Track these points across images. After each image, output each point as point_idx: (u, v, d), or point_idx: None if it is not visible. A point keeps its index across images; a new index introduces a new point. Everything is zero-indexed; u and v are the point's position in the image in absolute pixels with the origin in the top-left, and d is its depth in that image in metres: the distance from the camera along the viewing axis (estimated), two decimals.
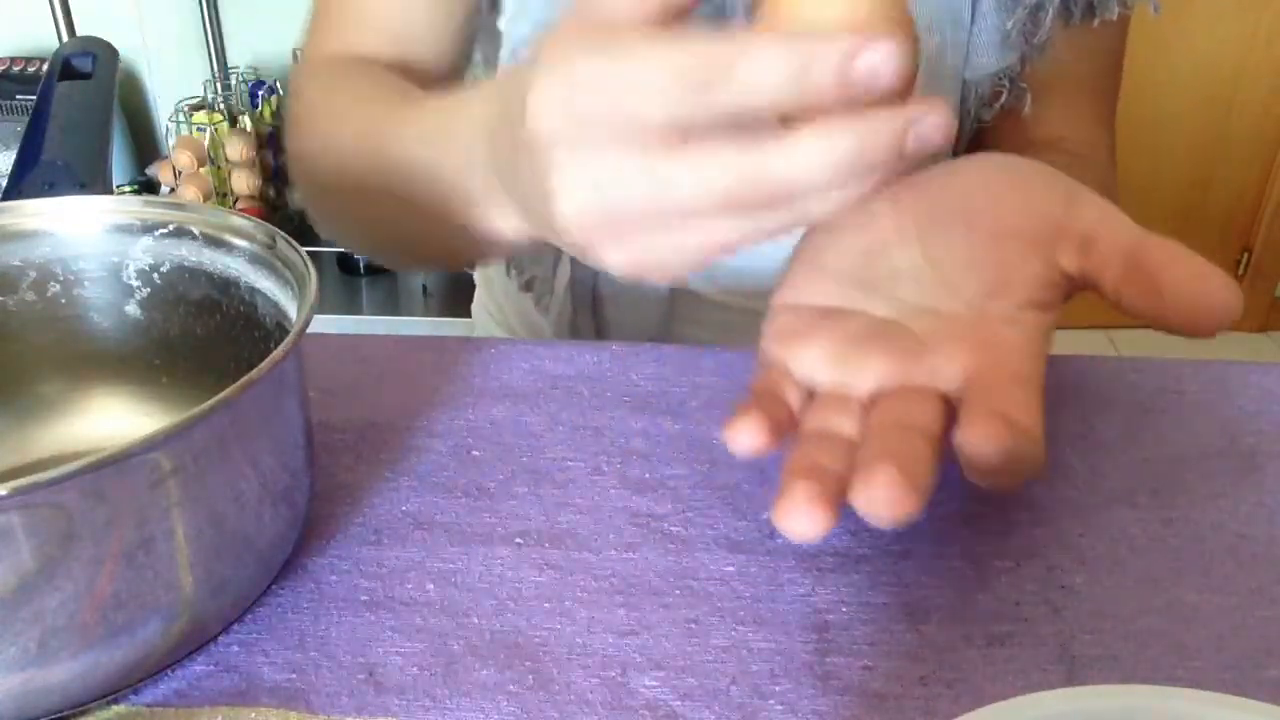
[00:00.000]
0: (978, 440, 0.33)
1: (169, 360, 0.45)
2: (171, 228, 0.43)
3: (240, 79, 1.98)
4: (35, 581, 0.30)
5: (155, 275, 0.44)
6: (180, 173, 1.85)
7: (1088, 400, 0.50)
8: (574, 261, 0.66)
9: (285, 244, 0.40)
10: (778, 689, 0.35)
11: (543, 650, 0.37)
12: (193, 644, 0.35)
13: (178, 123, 1.94)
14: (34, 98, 1.92)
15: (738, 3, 0.58)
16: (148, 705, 0.34)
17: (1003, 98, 0.62)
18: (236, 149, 1.86)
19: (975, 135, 0.67)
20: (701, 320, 0.69)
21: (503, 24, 0.64)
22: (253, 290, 0.42)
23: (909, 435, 0.35)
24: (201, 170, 1.86)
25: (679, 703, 0.35)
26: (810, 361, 0.39)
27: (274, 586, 0.39)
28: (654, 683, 0.35)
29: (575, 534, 0.42)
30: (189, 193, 1.84)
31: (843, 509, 0.34)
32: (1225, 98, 2.21)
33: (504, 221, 0.44)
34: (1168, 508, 0.43)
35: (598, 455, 0.46)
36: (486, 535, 0.41)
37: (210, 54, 2.02)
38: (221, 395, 0.31)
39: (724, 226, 0.32)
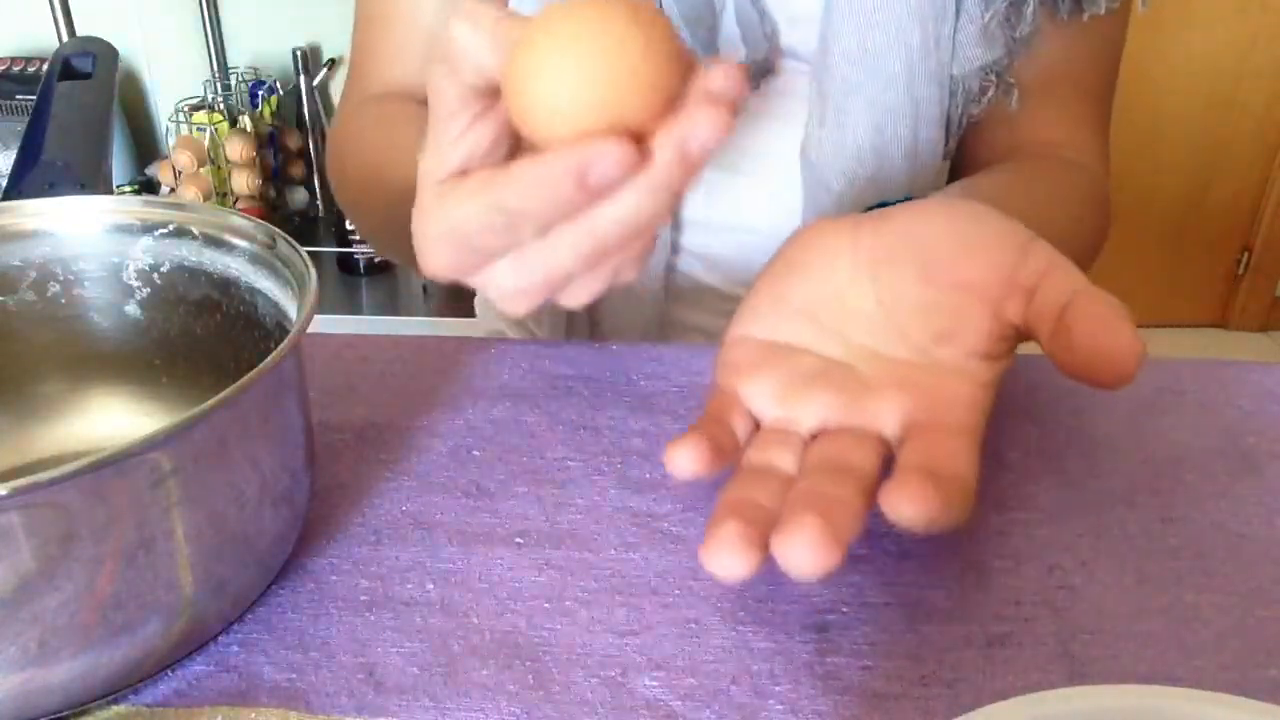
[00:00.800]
0: (901, 504, 0.34)
1: (169, 360, 0.45)
2: (171, 228, 0.43)
3: (240, 79, 1.98)
4: (35, 581, 0.30)
5: (155, 275, 0.44)
6: (180, 173, 1.85)
7: (1088, 400, 0.50)
8: None
9: (285, 244, 0.40)
10: (778, 689, 0.35)
11: (543, 650, 0.37)
12: (193, 644, 0.35)
13: (178, 123, 1.94)
14: (34, 98, 1.92)
15: (718, 36, 0.59)
16: (148, 705, 0.34)
17: (990, 93, 0.62)
18: (236, 149, 1.86)
19: (964, 135, 0.67)
20: (696, 321, 0.69)
21: None
22: (253, 290, 0.42)
23: (841, 480, 0.36)
24: (201, 170, 1.86)
25: (679, 703, 0.35)
26: (758, 395, 0.41)
27: (274, 586, 0.39)
28: (654, 683, 0.35)
29: (575, 534, 0.42)
30: (189, 193, 1.84)
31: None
32: (1225, 98, 2.21)
33: None
34: (1168, 508, 0.43)
35: (598, 455, 0.46)
36: (486, 535, 0.41)
37: (210, 54, 2.02)
38: (221, 395, 0.31)
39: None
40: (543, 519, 0.42)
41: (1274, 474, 0.45)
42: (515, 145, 0.36)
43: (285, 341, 0.34)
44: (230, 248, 0.42)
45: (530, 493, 0.44)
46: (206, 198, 1.87)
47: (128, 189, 1.96)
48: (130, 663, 0.33)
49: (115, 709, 0.34)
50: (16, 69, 1.92)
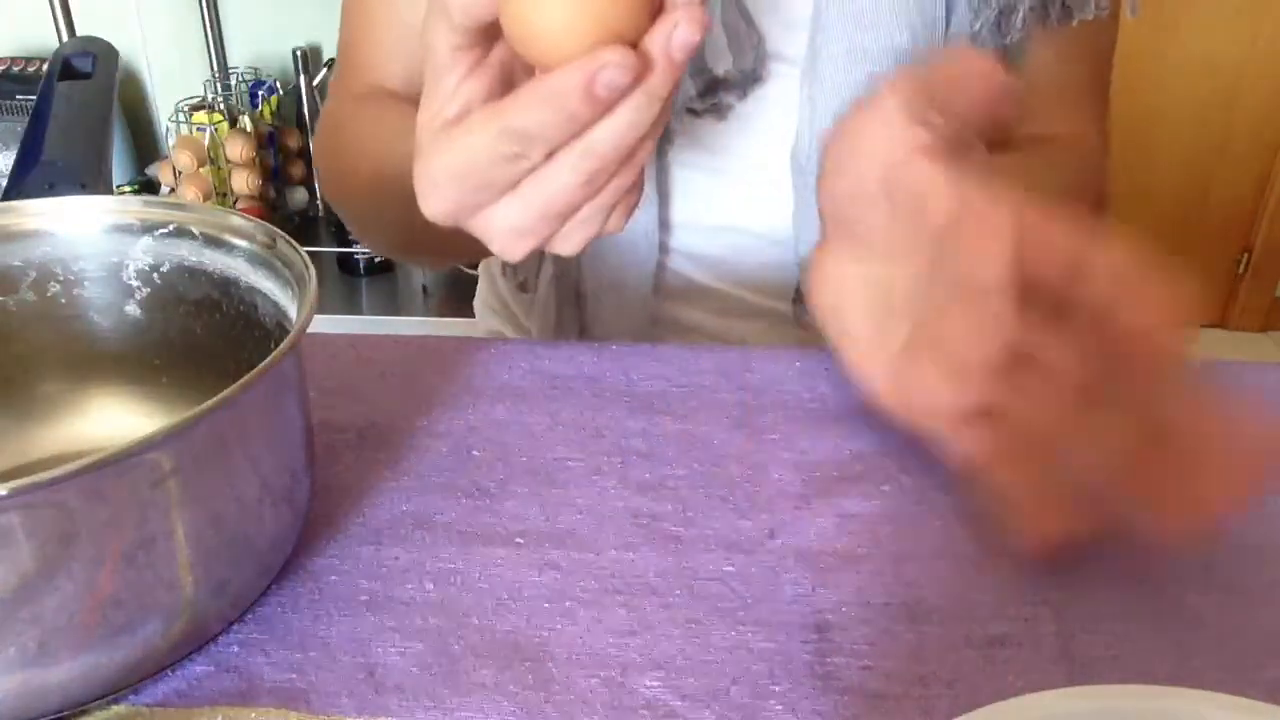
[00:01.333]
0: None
1: (169, 360, 0.45)
2: (171, 228, 0.43)
3: (240, 79, 1.98)
4: (35, 582, 0.30)
5: (155, 275, 0.44)
6: (180, 173, 1.85)
7: None
8: (557, 259, 0.67)
9: (285, 244, 0.40)
10: (777, 689, 0.35)
11: (543, 650, 0.36)
12: (193, 644, 0.35)
13: (178, 123, 1.94)
14: (34, 98, 1.92)
15: None
16: (148, 705, 0.34)
17: None
18: (236, 149, 1.86)
19: None
20: (688, 318, 0.69)
21: None
22: (253, 290, 0.42)
23: None
24: (201, 170, 1.86)
25: (679, 703, 0.35)
26: None
27: (274, 586, 0.39)
28: (654, 683, 0.35)
29: (575, 534, 0.42)
30: (189, 193, 1.84)
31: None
32: (1225, 99, 2.21)
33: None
34: None
35: (598, 455, 0.46)
36: (487, 535, 0.41)
37: (210, 54, 2.02)
38: (222, 395, 0.31)
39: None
40: (543, 519, 0.42)
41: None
42: (507, 94, 0.37)
43: (285, 341, 0.34)
44: (230, 248, 0.42)
45: (530, 493, 0.44)
46: (206, 198, 1.86)
47: (128, 189, 1.95)
48: (130, 663, 0.33)
49: (115, 709, 0.34)
50: (16, 69, 1.92)
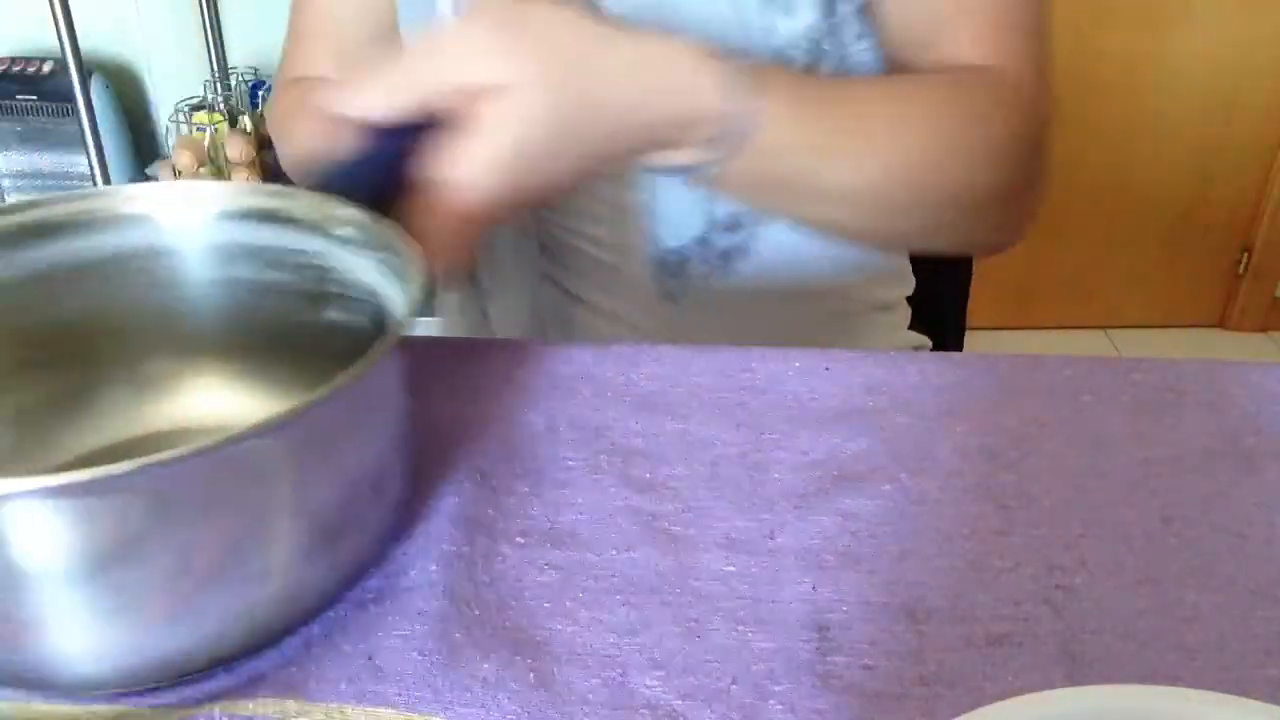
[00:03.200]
0: None
1: (269, 344, 0.46)
2: (275, 214, 0.43)
3: (240, 79, 1.98)
4: (145, 554, 0.31)
5: (258, 260, 0.44)
6: (180, 173, 1.85)
7: (1088, 400, 0.50)
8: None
9: (391, 234, 0.41)
10: (778, 689, 0.35)
11: (544, 649, 0.37)
12: (292, 621, 0.36)
13: (178, 123, 1.94)
14: (34, 98, 1.93)
15: None
16: (149, 706, 0.34)
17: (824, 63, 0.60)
18: (236, 149, 1.86)
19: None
20: (565, 318, 0.70)
21: None
22: (355, 279, 0.42)
23: None
24: (201, 170, 1.86)
25: (679, 702, 0.35)
26: None
27: None
28: (654, 682, 0.35)
29: (576, 533, 0.42)
30: None
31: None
32: (1226, 99, 2.21)
33: None
34: (1168, 508, 0.43)
35: (598, 455, 0.46)
36: (488, 533, 0.41)
37: (210, 54, 2.02)
38: (337, 381, 0.32)
39: None
40: (544, 518, 0.42)
41: (1274, 474, 0.45)
42: None
43: (392, 332, 0.35)
44: (334, 236, 0.43)
45: (531, 492, 0.44)
46: None
47: None
48: (230, 638, 0.34)
49: (116, 708, 0.34)
50: (16, 69, 1.92)
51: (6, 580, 0.30)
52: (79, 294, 0.44)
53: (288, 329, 0.45)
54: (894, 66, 0.62)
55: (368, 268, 0.42)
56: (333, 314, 0.44)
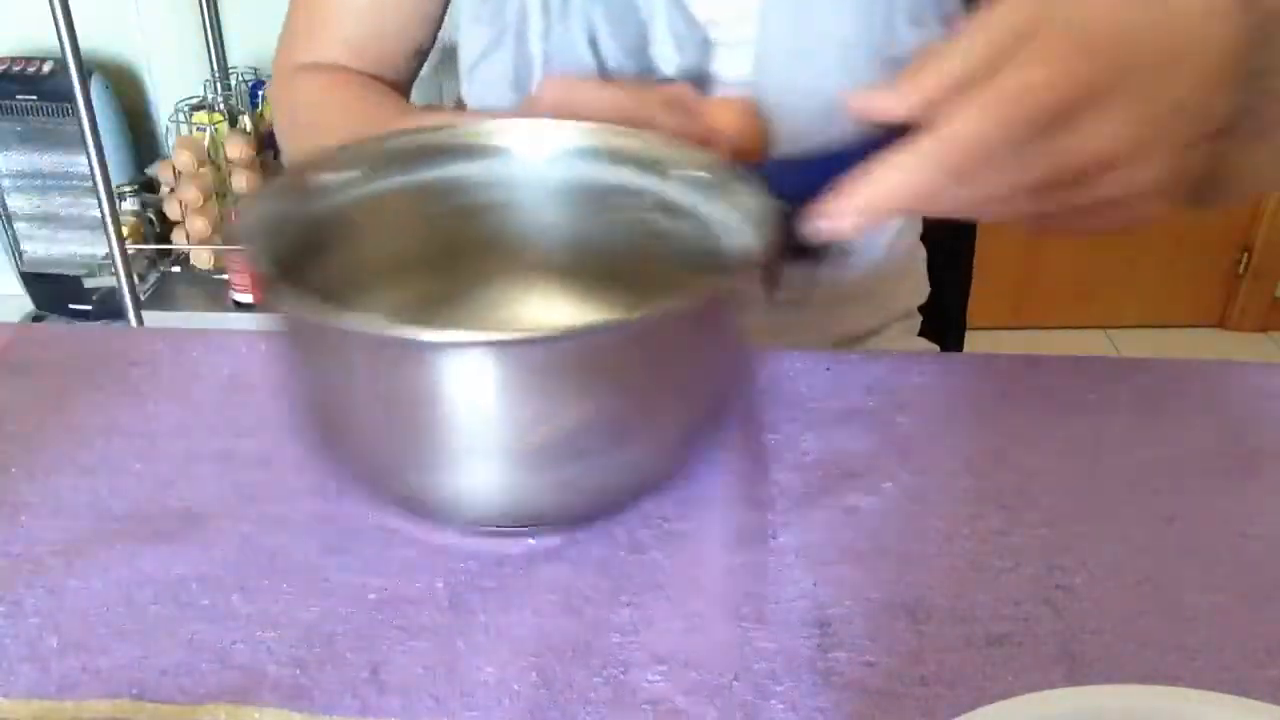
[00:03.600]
0: None
1: (606, 270, 0.49)
2: (624, 154, 0.47)
3: (240, 79, 1.98)
4: (558, 408, 0.36)
5: (602, 194, 0.48)
6: (180, 173, 1.85)
7: (1088, 400, 0.50)
8: None
9: (739, 178, 0.43)
10: (779, 687, 0.35)
11: (547, 648, 0.37)
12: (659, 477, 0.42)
13: (178, 123, 1.94)
14: (34, 98, 1.92)
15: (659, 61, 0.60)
16: (150, 702, 0.35)
17: None
18: (236, 149, 1.86)
19: None
20: None
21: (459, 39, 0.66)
22: (697, 217, 0.45)
23: None
24: (202, 170, 1.86)
25: (681, 699, 0.35)
26: None
27: (284, 586, 0.39)
28: (656, 678, 0.36)
29: (581, 533, 0.42)
30: (189, 193, 1.84)
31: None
32: None
33: None
34: (1168, 508, 0.43)
35: None
36: (494, 533, 0.42)
37: (210, 54, 2.02)
38: (721, 284, 0.37)
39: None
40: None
41: (1274, 474, 0.45)
42: None
43: (751, 255, 0.39)
44: (682, 176, 0.45)
45: None
46: (206, 198, 1.86)
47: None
48: (625, 484, 0.40)
49: (116, 703, 0.35)
50: (16, 69, 1.92)
51: (437, 418, 0.36)
52: (448, 210, 0.49)
53: (623, 258, 0.48)
54: None
55: (711, 207, 0.44)
56: (665, 246, 0.47)
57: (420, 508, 0.41)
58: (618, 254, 0.49)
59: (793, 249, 0.40)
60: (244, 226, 0.41)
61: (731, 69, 0.62)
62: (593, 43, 0.60)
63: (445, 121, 0.49)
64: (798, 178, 0.41)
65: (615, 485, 0.40)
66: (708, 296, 0.37)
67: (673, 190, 0.46)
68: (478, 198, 0.49)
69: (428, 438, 0.37)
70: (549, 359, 0.35)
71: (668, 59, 0.60)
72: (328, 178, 0.45)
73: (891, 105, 0.40)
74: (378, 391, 0.36)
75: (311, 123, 0.67)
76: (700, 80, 0.61)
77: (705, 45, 0.60)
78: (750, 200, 0.42)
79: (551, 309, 0.50)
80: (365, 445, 0.39)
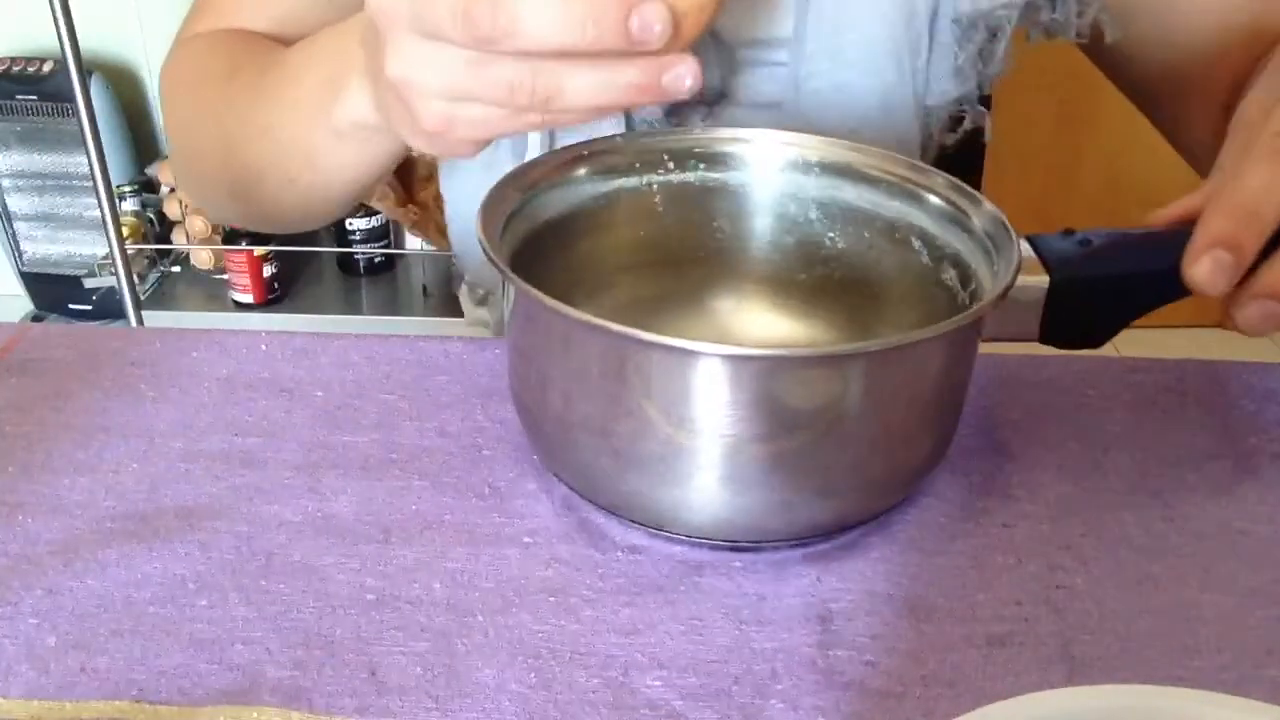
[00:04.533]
0: None
1: (823, 291, 0.50)
2: (863, 171, 0.48)
3: None
4: (826, 422, 0.37)
5: (841, 213, 0.49)
6: None
7: (1088, 400, 0.50)
8: None
9: (985, 207, 0.43)
10: (779, 688, 0.35)
11: (546, 649, 0.37)
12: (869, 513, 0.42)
13: None
14: (34, 98, 1.92)
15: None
16: (150, 703, 0.35)
17: (964, 123, 0.63)
18: None
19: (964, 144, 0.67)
20: None
21: None
22: (934, 243, 0.46)
23: None
24: None
25: (680, 702, 0.35)
26: None
27: (283, 587, 0.39)
28: (656, 681, 0.35)
29: (583, 533, 0.42)
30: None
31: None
32: (1226, 100, 2.21)
33: (361, 102, 0.46)
34: (1168, 508, 0.43)
35: None
36: (495, 534, 0.42)
37: None
38: (950, 322, 0.37)
39: (501, 116, 0.38)
40: (552, 518, 0.42)
41: (1274, 474, 0.45)
42: None
43: (991, 294, 0.39)
44: (917, 199, 0.46)
45: (539, 490, 0.44)
46: None
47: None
48: (847, 509, 0.40)
49: (116, 703, 0.35)
50: (16, 69, 1.92)
51: (682, 426, 0.37)
52: (674, 216, 0.50)
53: (845, 277, 0.50)
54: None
55: (955, 238, 0.45)
56: (898, 271, 0.47)
57: (638, 513, 0.41)
58: (839, 272, 0.50)
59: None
60: (483, 223, 0.41)
61: (757, 90, 0.61)
62: None
63: (696, 129, 0.50)
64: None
65: (847, 508, 0.40)
66: (961, 326, 0.37)
67: (912, 214, 0.47)
68: (706, 205, 0.50)
69: (670, 446, 0.37)
70: (806, 374, 0.36)
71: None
72: (560, 177, 0.47)
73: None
74: (623, 394, 0.37)
75: (197, 75, 0.61)
76: (726, 98, 0.61)
77: (731, 65, 0.60)
78: (991, 229, 0.42)
79: (764, 321, 0.51)
80: (593, 446, 0.39)
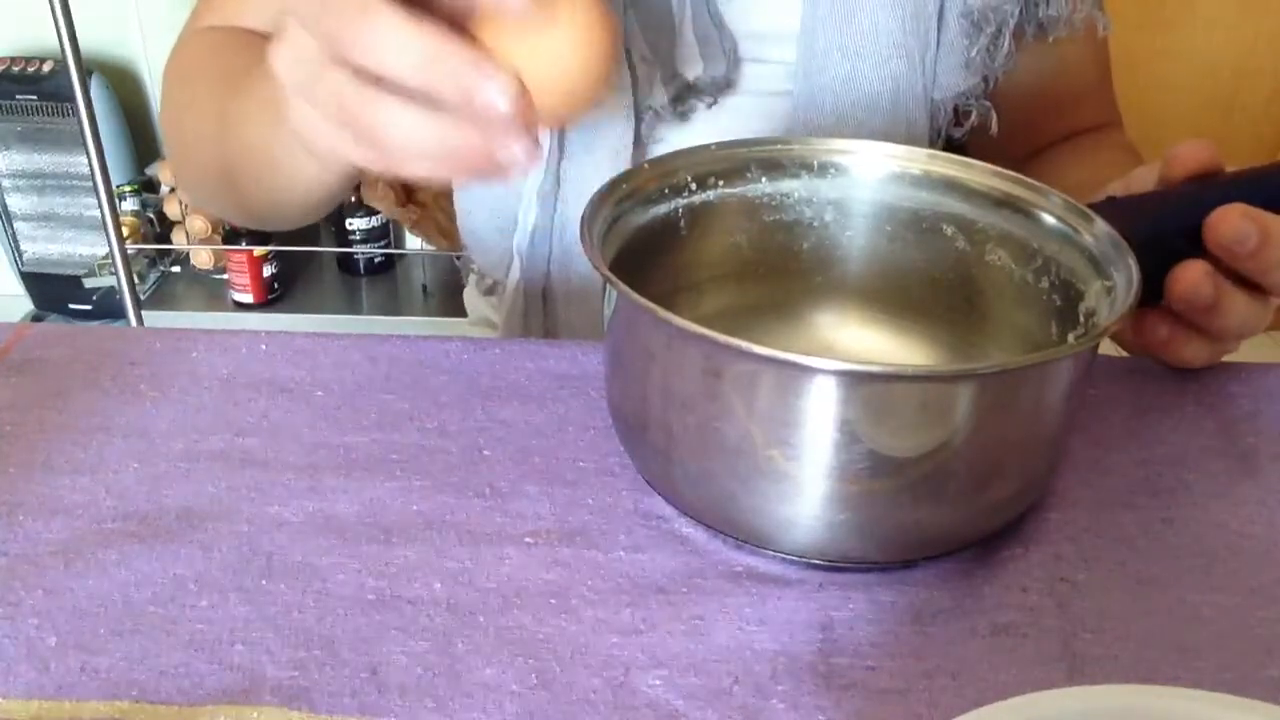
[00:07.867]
0: None
1: (918, 306, 0.50)
2: (959, 184, 0.48)
3: None
4: (940, 442, 0.36)
5: (932, 225, 0.48)
6: None
7: (1088, 400, 0.50)
8: (525, 264, 0.67)
9: (1102, 229, 0.43)
10: (780, 688, 0.35)
11: (546, 650, 0.37)
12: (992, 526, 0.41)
13: None
14: (34, 98, 1.92)
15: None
16: (150, 703, 0.35)
17: (972, 118, 0.64)
18: None
19: (963, 146, 0.68)
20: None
21: None
22: (1048, 261, 0.45)
23: None
24: None
25: (681, 702, 0.35)
26: None
27: (283, 587, 0.39)
28: (657, 682, 0.35)
29: (585, 533, 0.42)
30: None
31: None
32: (1226, 98, 2.21)
33: None
34: (1168, 508, 0.43)
35: (608, 455, 0.46)
36: (496, 535, 0.42)
37: None
38: (1073, 344, 0.39)
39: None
40: (553, 518, 0.42)
41: (1274, 474, 0.45)
42: None
43: (1109, 321, 0.39)
44: (1022, 213, 0.46)
45: (541, 492, 0.44)
46: None
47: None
48: (958, 527, 0.39)
49: (115, 704, 0.35)
50: (16, 69, 1.92)
51: (793, 443, 0.36)
52: (768, 225, 0.50)
53: (939, 291, 0.49)
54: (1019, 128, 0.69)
55: (1071, 257, 0.44)
56: (988, 283, 0.47)
57: (732, 526, 0.40)
58: (938, 287, 0.49)
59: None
60: (584, 229, 0.41)
61: (762, 82, 0.61)
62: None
63: (790, 139, 0.50)
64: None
65: (950, 531, 0.40)
66: (1079, 350, 0.37)
67: (1014, 229, 0.46)
68: (801, 214, 0.50)
69: (779, 462, 0.37)
70: (916, 395, 0.36)
71: (690, 62, 0.60)
72: (654, 187, 0.47)
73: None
74: (725, 407, 0.37)
75: (193, 68, 0.62)
76: (731, 88, 0.61)
77: (735, 58, 0.60)
78: (1102, 244, 0.42)
79: (856, 334, 0.51)
80: (696, 458, 0.39)
